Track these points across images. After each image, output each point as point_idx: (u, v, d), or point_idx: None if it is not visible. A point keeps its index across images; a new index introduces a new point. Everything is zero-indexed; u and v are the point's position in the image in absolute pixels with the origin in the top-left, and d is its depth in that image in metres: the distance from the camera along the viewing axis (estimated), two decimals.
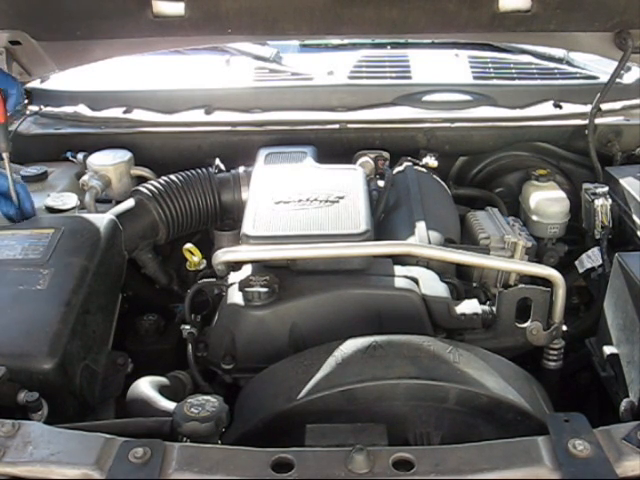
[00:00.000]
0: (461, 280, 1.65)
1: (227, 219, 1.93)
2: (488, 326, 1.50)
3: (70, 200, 1.80)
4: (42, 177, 1.92)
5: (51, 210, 1.77)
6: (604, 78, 2.17)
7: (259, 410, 1.24)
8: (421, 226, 1.69)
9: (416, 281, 1.50)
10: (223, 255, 1.53)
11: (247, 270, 1.54)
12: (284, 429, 1.18)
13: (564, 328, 1.50)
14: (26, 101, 2.29)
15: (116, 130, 2.17)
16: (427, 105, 2.25)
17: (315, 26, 1.89)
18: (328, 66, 2.42)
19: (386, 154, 2.10)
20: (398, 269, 1.54)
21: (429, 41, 2.65)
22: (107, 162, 1.97)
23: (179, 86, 2.33)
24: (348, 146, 2.14)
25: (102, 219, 1.62)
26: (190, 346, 1.51)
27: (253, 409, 1.26)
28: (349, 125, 2.18)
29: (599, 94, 2.06)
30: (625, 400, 1.30)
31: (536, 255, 1.85)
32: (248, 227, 1.53)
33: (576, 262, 1.90)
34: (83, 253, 1.47)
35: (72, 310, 1.34)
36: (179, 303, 1.72)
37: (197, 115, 2.22)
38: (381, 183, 1.92)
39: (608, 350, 1.40)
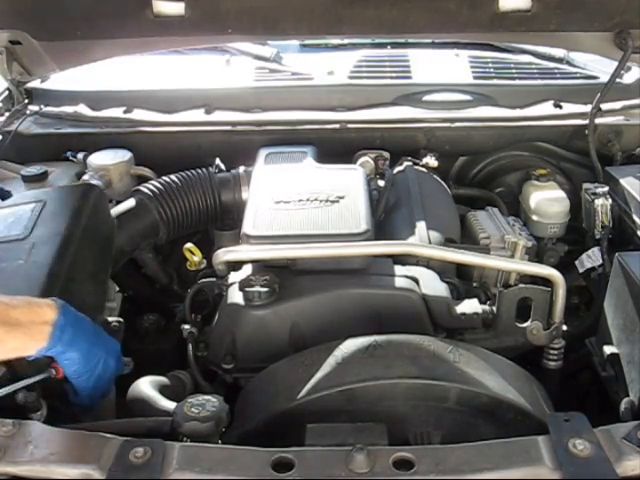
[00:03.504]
0: (461, 280, 1.65)
1: (227, 219, 1.93)
2: (488, 326, 1.50)
3: None
4: (42, 177, 1.92)
5: None
6: (604, 78, 2.17)
7: (259, 410, 1.24)
8: (421, 226, 1.69)
9: (416, 281, 1.50)
10: (223, 255, 1.53)
11: (247, 270, 1.54)
12: (284, 429, 1.17)
13: (564, 328, 1.50)
14: (26, 101, 2.29)
15: (116, 130, 2.17)
16: (427, 105, 2.25)
17: (315, 26, 1.89)
18: (328, 66, 2.42)
19: (386, 154, 2.10)
20: (398, 269, 1.54)
21: (429, 41, 2.64)
22: (107, 162, 1.97)
23: (179, 86, 2.33)
24: (348, 146, 2.14)
25: (84, 187, 1.60)
26: (190, 346, 1.51)
27: (253, 409, 1.26)
28: (349, 125, 2.18)
29: (599, 94, 2.06)
30: (625, 400, 1.30)
31: (536, 255, 1.85)
32: (248, 227, 1.53)
33: (576, 262, 1.90)
34: (65, 221, 1.45)
35: (56, 280, 1.31)
36: (179, 303, 1.72)
37: (197, 115, 2.22)
38: (381, 183, 1.92)
39: (608, 350, 1.40)
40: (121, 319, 1.47)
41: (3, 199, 1.69)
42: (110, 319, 1.47)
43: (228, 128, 2.17)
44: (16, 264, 1.33)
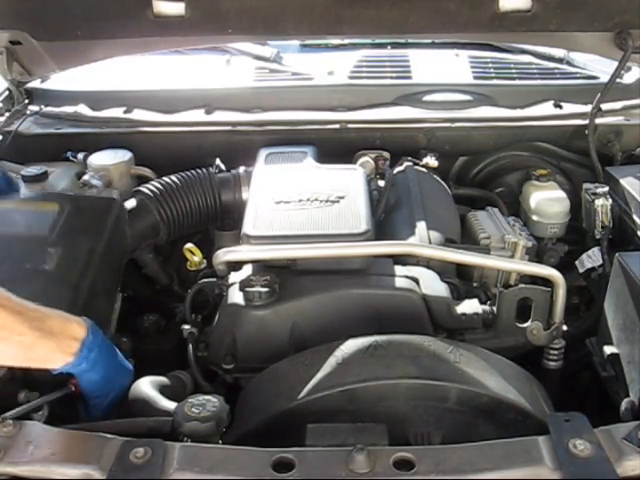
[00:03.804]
0: (461, 280, 1.65)
1: (227, 219, 1.93)
2: (488, 326, 1.50)
3: None
4: (42, 177, 1.92)
5: None
6: (604, 78, 2.17)
7: (260, 410, 1.25)
8: (421, 226, 1.69)
9: (416, 281, 1.50)
10: (224, 255, 1.53)
11: (248, 270, 1.54)
12: (285, 429, 1.17)
13: (564, 328, 1.50)
14: (26, 101, 2.29)
15: (116, 130, 2.16)
16: (427, 105, 2.25)
17: (315, 26, 1.89)
18: (328, 66, 2.41)
19: (386, 154, 2.10)
20: (398, 269, 1.54)
21: (429, 41, 2.64)
22: (107, 162, 1.97)
23: (179, 86, 2.33)
24: (348, 146, 2.14)
25: (108, 200, 1.62)
26: (191, 346, 1.51)
27: (254, 409, 1.27)
28: (349, 125, 2.17)
29: (599, 94, 2.06)
30: (625, 400, 1.30)
31: (536, 255, 1.85)
32: (248, 227, 1.53)
33: (576, 262, 1.90)
34: (89, 233, 1.47)
35: (80, 294, 1.33)
36: (179, 303, 1.72)
37: (197, 115, 2.22)
38: (381, 183, 1.92)
39: (608, 350, 1.40)
40: (125, 339, 1.50)
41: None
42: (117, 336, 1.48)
43: (228, 128, 2.17)
44: (42, 269, 1.35)
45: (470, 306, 1.51)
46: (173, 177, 1.88)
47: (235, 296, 1.46)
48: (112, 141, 2.09)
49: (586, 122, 2.09)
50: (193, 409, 1.12)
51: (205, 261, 1.84)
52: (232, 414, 1.17)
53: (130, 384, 1.29)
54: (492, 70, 2.42)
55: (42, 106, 2.26)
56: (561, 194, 1.98)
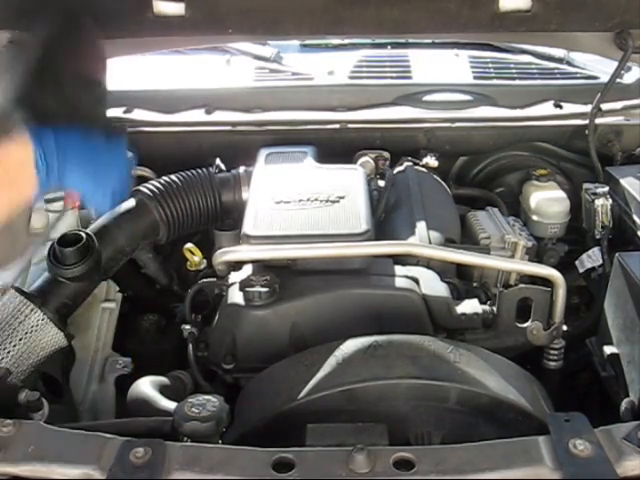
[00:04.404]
0: (461, 280, 1.65)
1: (227, 219, 1.93)
2: (488, 326, 1.50)
3: None
4: None
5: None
6: (604, 78, 2.17)
7: (260, 410, 1.25)
8: (421, 226, 1.69)
9: (416, 281, 1.50)
10: (224, 255, 1.53)
11: (247, 270, 1.54)
12: (285, 429, 1.17)
13: (564, 328, 1.50)
14: None
15: None
16: (427, 105, 2.25)
17: (315, 26, 1.89)
18: (328, 66, 2.41)
19: (386, 154, 2.10)
20: (398, 269, 1.54)
21: (429, 41, 2.64)
22: None
23: (179, 86, 2.33)
24: (348, 146, 2.14)
25: None
26: (191, 346, 1.51)
27: (254, 409, 1.27)
28: (349, 125, 2.18)
29: (599, 94, 2.06)
30: (625, 400, 1.30)
31: (536, 255, 1.85)
32: (249, 227, 1.53)
33: (576, 262, 1.90)
34: None
35: None
36: (179, 303, 1.72)
37: (197, 115, 2.22)
38: (381, 183, 1.92)
39: (608, 350, 1.40)
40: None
41: None
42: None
43: (228, 128, 2.17)
44: None
45: (470, 306, 1.51)
46: (173, 177, 1.88)
47: (235, 296, 1.46)
48: None
49: (586, 122, 2.09)
50: (193, 409, 1.12)
51: (205, 261, 1.84)
52: (232, 414, 1.17)
53: (131, 164, 1.19)
54: (492, 70, 2.42)
55: None
56: (561, 194, 1.98)
